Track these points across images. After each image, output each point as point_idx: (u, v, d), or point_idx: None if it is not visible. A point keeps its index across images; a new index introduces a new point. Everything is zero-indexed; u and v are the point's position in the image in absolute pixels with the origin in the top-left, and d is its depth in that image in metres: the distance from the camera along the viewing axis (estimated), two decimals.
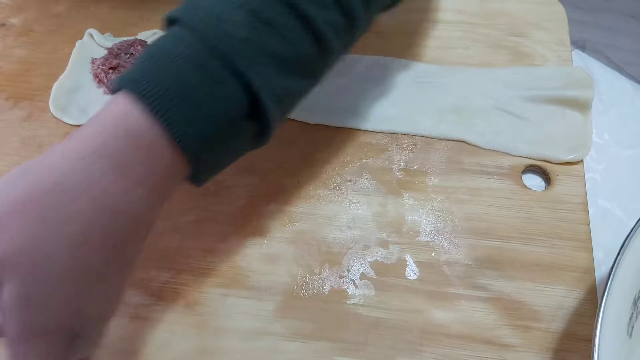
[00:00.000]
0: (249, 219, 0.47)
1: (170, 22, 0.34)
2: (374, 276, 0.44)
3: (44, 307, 0.29)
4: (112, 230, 0.30)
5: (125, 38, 0.57)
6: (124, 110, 0.31)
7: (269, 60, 0.33)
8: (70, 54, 0.57)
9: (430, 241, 0.45)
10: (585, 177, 0.47)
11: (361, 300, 0.43)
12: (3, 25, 0.61)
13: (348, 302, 0.43)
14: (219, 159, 0.35)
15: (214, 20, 0.32)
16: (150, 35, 0.58)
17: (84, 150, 0.30)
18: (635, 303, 0.34)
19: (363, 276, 0.44)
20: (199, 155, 0.32)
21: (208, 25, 0.32)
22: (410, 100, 0.52)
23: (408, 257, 0.44)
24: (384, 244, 0.45)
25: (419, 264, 0.44)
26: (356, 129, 0.51)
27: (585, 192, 0.46)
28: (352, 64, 0.55)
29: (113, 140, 0.30)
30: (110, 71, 0.52)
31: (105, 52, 0.55)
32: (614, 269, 0.34)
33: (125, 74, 0.32)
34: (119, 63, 0.53)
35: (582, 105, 0.50)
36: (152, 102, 0.30)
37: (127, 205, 0.31)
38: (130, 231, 0.31)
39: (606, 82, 0.52)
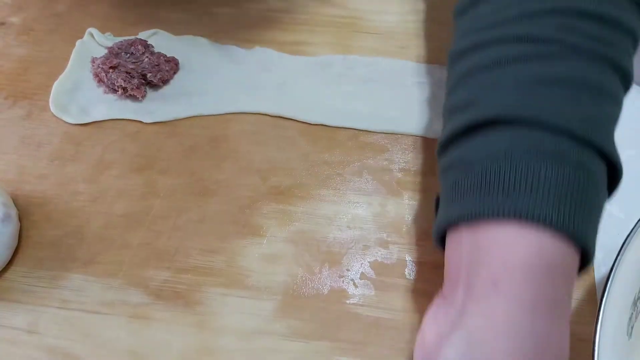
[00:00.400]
0: (248, 219, 0.47)
1: (480, 125, 0.32)
2: (373, 276, 0.44)
3: None
4: None
5: (126, 37, 0.57)
6: (535, 245, 0.28)
7: (611, 126, 0.33)
8: (70, 53, 0.57)
9: (430, 241, 0.45)
10: None
11: (361, 300, 0.43)
12: (3, 24, 0.61)
13: (348, 301, 0.43)
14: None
15: (550, 108, 0.31)
16: (150, 34, 0.58)
17: (516, 307, 0.28)
18: (635, 303, 0.34)
19: (363, 276, 0.44)
20: (593, 248, 0.31)
21: (546, 113, 0.30)
22: (410, 101, 0.52)
23: (408, 257, 0.44)
24: (383, 244, 0.45)
25: (418, 264, 0.44)
26: (356, 129, 0.51)
27: None
28: (353, 65, 0.55)
29: (538, 281, 0.28)
30: (111, 70, 0.52)
31: (106, 51, 0.55)
32: (613, 270, 0.34)
33: (489, 205, 0.29)
34: (119, 62, 0.52)
35: None
36: (556, 222, 0.28)
37: (566, 350, 0.29)
38: None
39: None
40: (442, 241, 0.35)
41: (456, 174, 0.33)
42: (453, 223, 0.32)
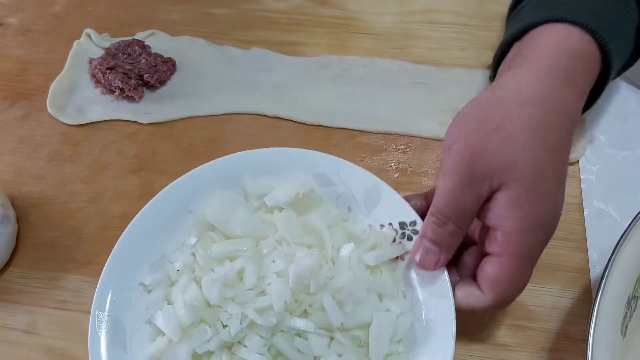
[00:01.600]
0: None
1: None
2: None
3: (538, 202, 0.34)
4: (568, 136, 0.36)
5: (123, 38, 0.57)
6: (563, 36, 0.38)
7: None
8: (68, 54, 0.57)
9: None
10: (581, 177, 0.47)
11: None
12: (1, 24, 0.61)
13: None
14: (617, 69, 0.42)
15: None
16: (148, 35, 0.58)
17: (539, 71, 0.36)
18: (629, 303, 0.35)
19: None
20: (614, 64, 0.39)
21: None
22: (406, 101, 0.53)
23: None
24: None
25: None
26: (353, 129, 0.51)
27: (581, 192, 0.47)
28: (349, 66, 0.55)
29: (561, 60, 0.37)
30: (108, 71, 0.52)
31: (103, 52, 0.55)
32: (608, 269, 0.34)
33: (544, 13, 0.39)
34: (117, 63, 0.53)
35: None
36: (587, 26, 0.37)
37: (576, 112, 0.37)
38: (572, 135, 0.37)
39: None
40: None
41: (515, 16, 0.44)
42: (512, 37, 0.41)
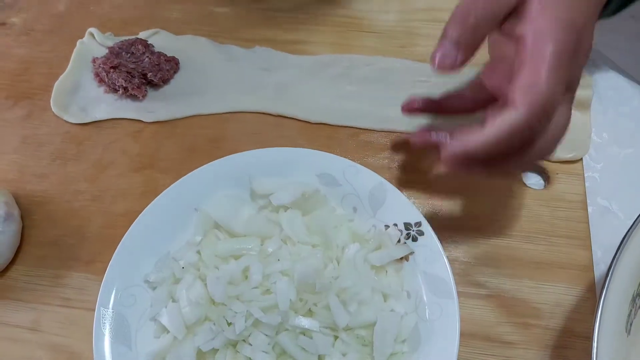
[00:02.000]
0: None
1: None
2: None
3: (571, 4, 0.34)
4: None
5: (126, 37, 0.57)
6: None
7: None
8: (71, 53, 0.57)
9: None
10: (585, 175, 0.47)
11: None
12: (4, 24, 0.61)
13: None
14: None
15: None
16: (151, 34, 0.58)
17: None
18: (633, 300, 0.35)
19: None
20: None
21: None
22: None
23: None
24: None
25: None
26: (356, 127, 0.51)
27: (585, 190, 0.47)
28: (353, 64, 0.55)
29: None
30: (111, 70, 0.52)
31: (106, 51, 0.55)
32: (612, 267, 0.34)
33: None
34: (120, 62, 0.53)
35: (581, 104, 0.50)
36: None
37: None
38: (591, 31, 0.36)
39: (605, 81, 0.52)
40: None
41: None
42: None
